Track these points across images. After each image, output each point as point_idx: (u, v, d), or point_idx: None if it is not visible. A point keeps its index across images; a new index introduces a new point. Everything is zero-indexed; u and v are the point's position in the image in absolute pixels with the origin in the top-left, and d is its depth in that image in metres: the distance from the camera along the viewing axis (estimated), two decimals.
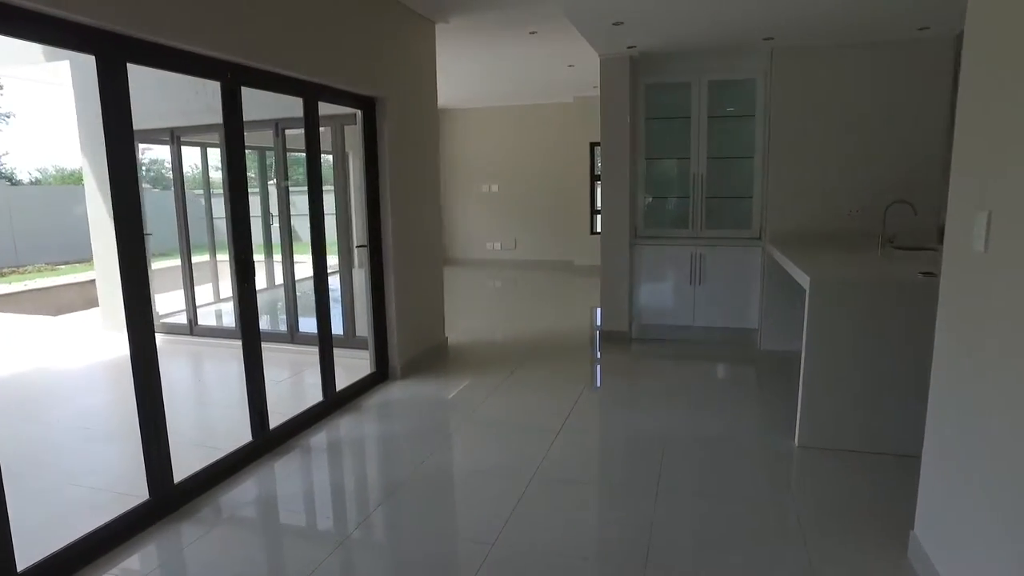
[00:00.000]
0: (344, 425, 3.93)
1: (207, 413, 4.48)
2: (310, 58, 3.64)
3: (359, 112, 4.41)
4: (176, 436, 2.91)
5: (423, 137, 5.02)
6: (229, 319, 6.85)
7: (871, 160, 4.94)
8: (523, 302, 7.81)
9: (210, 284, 7.11)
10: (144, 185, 6.67)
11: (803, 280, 3.38)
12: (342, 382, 4.31)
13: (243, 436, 3.41)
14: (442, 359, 5.27)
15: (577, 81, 8.39)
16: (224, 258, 6.80)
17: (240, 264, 3.30)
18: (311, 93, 3.80)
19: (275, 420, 3.61)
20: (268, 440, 3.50)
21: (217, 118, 3.17)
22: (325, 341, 4.06)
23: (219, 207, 6.66)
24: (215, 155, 6.92)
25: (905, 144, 4.87)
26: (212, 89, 3.18)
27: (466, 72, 7.61)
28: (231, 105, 3.17)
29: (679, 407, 4.09)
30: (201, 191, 7.18)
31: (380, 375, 4.71)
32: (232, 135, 3.20)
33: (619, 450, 3.56)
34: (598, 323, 6.08)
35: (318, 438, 3.72)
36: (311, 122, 3.82)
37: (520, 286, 9.08)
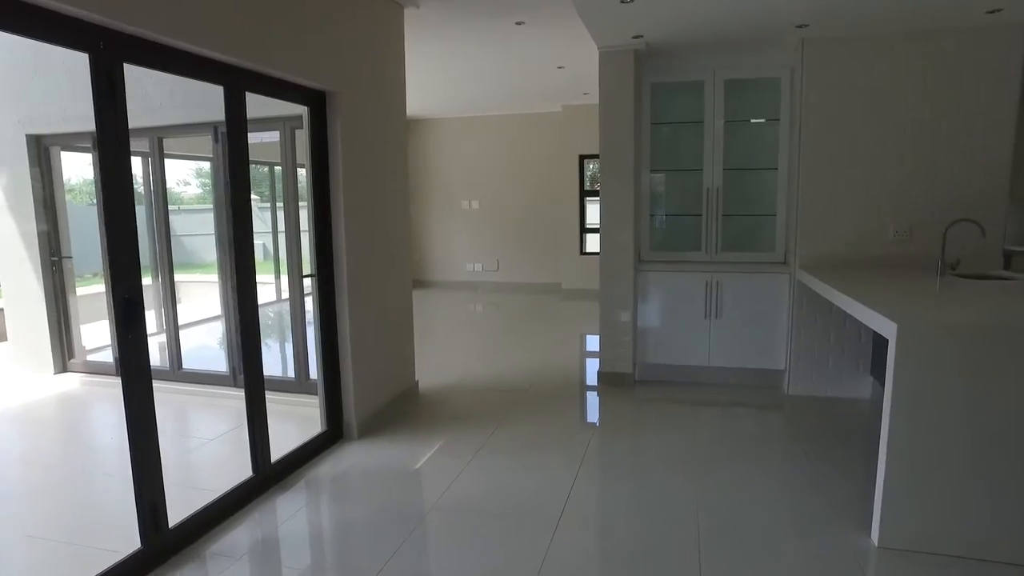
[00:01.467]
0: (278, 511, 3.01)
1: (89, 494, 3.51)
2: (235, 34, 2.77)
3: (306, 109, 3.54)
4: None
5: (386, 141, 4.15)
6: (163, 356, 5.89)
7: (922, 172, 4.16)
8: (506, 331, 6.93)
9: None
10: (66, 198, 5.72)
11: (882, 325, 2.55)
12: (288, 441, 3.41)
13: (129, 539, 2.48)
14: (411, 411, 4.36)
15: (567, 87, 7.61)
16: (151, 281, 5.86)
17: (123, 304, 2.40)
18: (235, 81, 2.92)
19: (183, 509, 2.70)
20: (163, 547, 2.57)
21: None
22: (254, 397, 3.15)
23: (175, 222, 5.73)
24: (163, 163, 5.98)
25: (965, 154, 4.09)
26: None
27: (442, 73, 6.77)
28: (108, 91, 2.28)
29: (708, 480, 3.22)
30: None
31: (332, 434, 3.80)
32: (110, 129, 2.31)
33: (641, 550, 2.68)
34: (595, 360, 5.21)
35: (234, 538, 2.79)
36: (234, 118, 2.94)
37: (503, 312, 8.20)
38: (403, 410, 4.33)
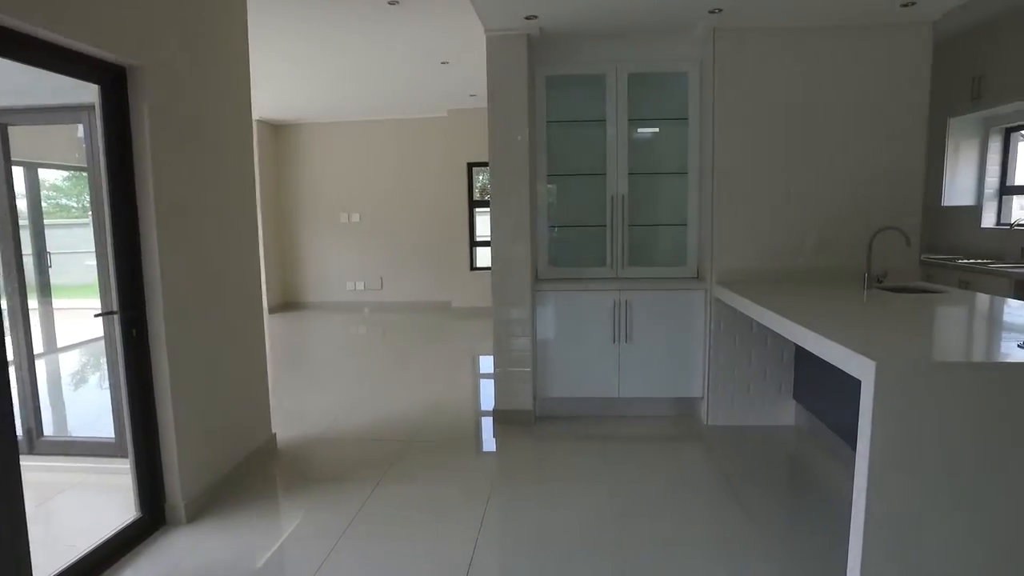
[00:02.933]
0: None
1: None
2: None
3: (96, 88, 2.62)
4: None
5: (224, 138, 3.28)
6: None
7: (840, 178, 3.82)
8: (391, 360, 6.11)
9: None
10: None
11: (854, 364, 2.02)
12: (96, 530, 2.47)
13: None
14: (264, 476, 3.47)
15: (452, 88, 6.94)
16: None
17: None
18: None
19: None
20: None
21: None
22: (8, 483, 2.19)
23: None
24: None
25: (881, 158, 3.79)
26: None
27: (310, 67, 5.89)
28: None
29: (635, 541, 2.61)
30: None
31: (151, 521, 2.86)
32: None
33: None
34: (492, 391, 4.52)
35: None
36: None
37: (388, 336, 7.36)
38: (253, 476, 3.43)
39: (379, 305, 9.11)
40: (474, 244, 8.60)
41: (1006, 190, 5.62)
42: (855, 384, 2.93)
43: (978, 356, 1.95)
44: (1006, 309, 2.79)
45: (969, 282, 4.78)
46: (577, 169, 4.35)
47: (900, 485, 1.88)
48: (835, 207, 3.82)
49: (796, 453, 3.64)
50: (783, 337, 3.86)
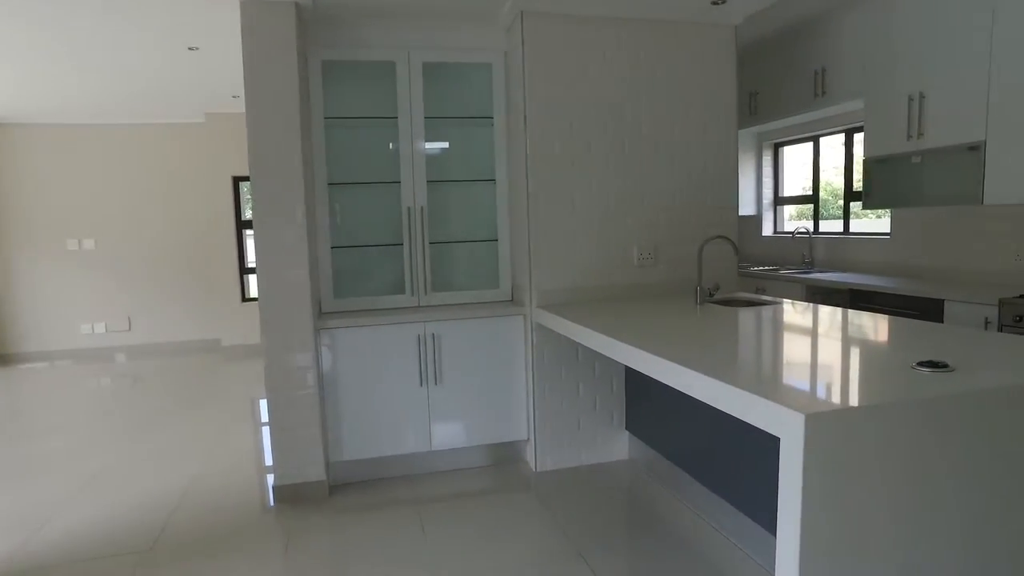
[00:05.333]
0: None
1: None
2: None
3: None
4: None
5: None
6: None
7: (662, 184, 3.51)
8: (136, 422, 4.74)
9: None
10: None
11: (771, 419, 1.50)
12: None
13: None
14: None
15: (209, 86, 5.74)
16: None
17: None
18: None
19: None
20: None
21: None
22: None
23: None
24: None
25: (698, 164, 3.55)
26: None
27: (16, 48, 4.39)
28: None
29: None
30: None
31: None
32: None
33: None
34: (271, 454, 3.52)
35: None
36: None
37: (138, 389, 5.86)
38: None
39: (127, 350, 7.40)
40: (245, 271, 7.33)
41: (779, 200, 5.93)
42: (688, 408, 2.53)
43: (888, 385, 1.56)
44: (856, 321, 2.58)
45: (765, 288, 4.84)
46: (365, 177, 3.58)
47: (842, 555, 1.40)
48: (661, 216, 3.51)
49: (634, 490, 3.21)
50: (612, 362, 3.45)
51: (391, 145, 3.55)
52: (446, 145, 3.72)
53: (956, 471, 1.50)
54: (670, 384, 1.89)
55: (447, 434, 3.45)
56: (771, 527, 2.35)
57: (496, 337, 3.47)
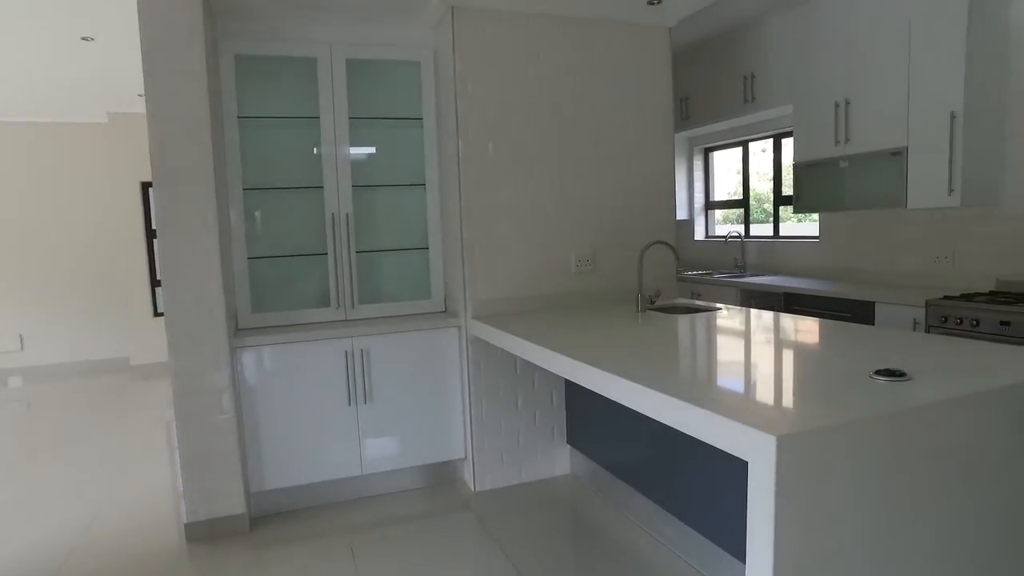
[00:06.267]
0: None
1: None
2: None
3: None
4: None
5: None
6: None
7: (597, 187, 3.41)
8: (27, 454, 4.27)
9: None
10: None
11: (738, 441, 1.38)
12: None
13: None
14: None
15: (112, 83, 5.30)
16: None
17: None
18: None
19: None
20: None
21: None
22: None
23: None
24: None
25: (638, 167, 3.48)
26: None
27: None
28: None
29: None
30: None
31: None
32: None
33: None
34: (190, 485, 3.19)
35: None
36: None
37: (34, 416, 5.31)
38: None
39: (22, 372, 6.75)
40: (157, 284, 6.83)
41: (710, 205, 5.99)
42: (630, 419, 2.43)
43: (852, 398, 1.47)
44: (800, 326, 2.54)
45: (700, 293, 4.85)
46: (286, 182, 3.32)
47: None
48: (597, 221, 3.40)
49: (577, 506, 3.08)
50: (551, 374, 3.32)
51: (315, 150, 3.31)
52: (373, 148, 3.51)
53: (924, 483, 1.43)
54: (629, 405, 1.76)
55: (379, 456, 3.23)
56: (716, 537, 2.26)
57: (429, 351, 3.28)
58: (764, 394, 1.59)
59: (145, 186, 6.69)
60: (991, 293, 3.23)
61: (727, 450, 1.36)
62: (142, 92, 5.44)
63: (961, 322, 3.04)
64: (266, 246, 3.33)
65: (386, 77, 3.45)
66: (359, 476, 3.23)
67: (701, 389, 1.63)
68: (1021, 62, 3.22)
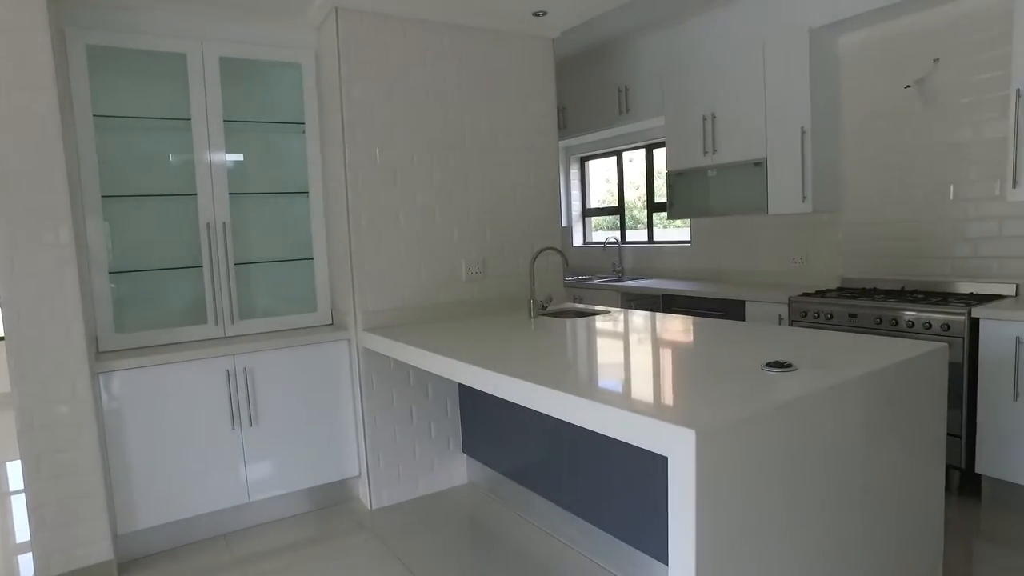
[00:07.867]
0: None
1: None
2: None
3: None
4: None
5: None
6: None
7: (485, 194, 3.42)
8: None
9: None
10: None
11: (657, 438, 1.42)
12: None
13: None
14: None
15: None
16: None
17: None
18: None
19: None
20: None
21: None
22: None
23: None
24: None
25: (524, 174, 3.53)
26: None
27: None
28: None
29: None
30: None
31: None
32: None
33: None
34: (34, 537, 2.81)
35: None
36: None
37: None
38: None
39: None
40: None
41: (587, 212, 6.22)
42: (523, 422, 2.48)
43: (752, 391, 1.58)
44: (686, 326, 2.68)
45: (582, 297, 5.00)
46: (153, 188, 3.05)
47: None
48: (485, 228, 3.41)
49: (477, 515, 3.06)
50: (445, 383, 3.29)
51: (185, 155, 3.06)
52: (249, 154, 3.30)
53: (817, 461, 1.56)
54: (542, 411, 1.77)
55: (267, 481, 3.03)
56: (622, 534, 2.34)
57: (318, 366, 3.13)
58: (673, 390, 1.66)
59: None
60: (839, 290, 3.61)
61: (646, 447, 1.40)
62: None
63: (818, 316, 3.36)
64: (131, 259, 3.03)
65: (265, 79, 3.27)
66: (246, 504, 3.00)
67: (611, 389, 1.67)
68: (849, 88, 3.64)
